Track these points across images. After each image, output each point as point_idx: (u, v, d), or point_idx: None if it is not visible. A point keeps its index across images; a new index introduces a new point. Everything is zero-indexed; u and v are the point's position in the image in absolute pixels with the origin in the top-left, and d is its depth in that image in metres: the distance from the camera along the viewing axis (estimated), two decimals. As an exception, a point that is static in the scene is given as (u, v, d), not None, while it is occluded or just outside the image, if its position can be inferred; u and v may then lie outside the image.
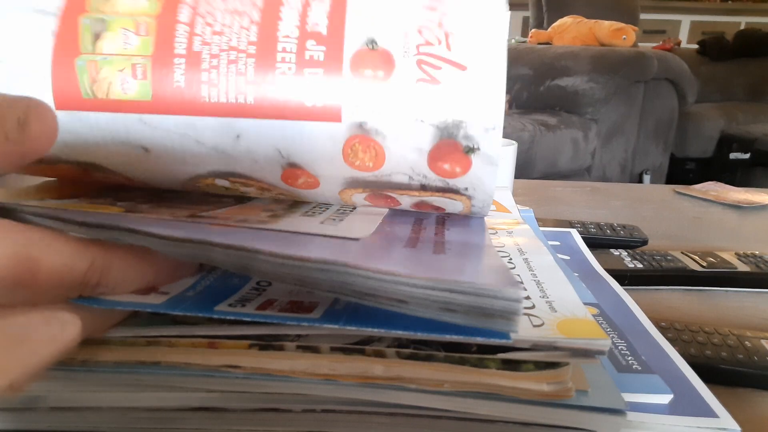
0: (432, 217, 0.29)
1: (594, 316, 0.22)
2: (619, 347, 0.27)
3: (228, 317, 0.19)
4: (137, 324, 0.21)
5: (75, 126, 0.22)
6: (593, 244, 0.45)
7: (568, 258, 0.42)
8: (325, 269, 0.17)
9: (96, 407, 0.21)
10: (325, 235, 0.22)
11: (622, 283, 0.37)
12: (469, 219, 0.29)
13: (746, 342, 0.31)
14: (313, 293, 0.21)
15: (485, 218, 0.29)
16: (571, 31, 2.23)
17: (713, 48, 2.64)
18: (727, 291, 0.42)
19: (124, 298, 0.19)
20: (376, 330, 0.18)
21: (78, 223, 0.18)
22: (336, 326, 0.19)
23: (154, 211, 0.24)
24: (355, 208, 0.28)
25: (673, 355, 0.28)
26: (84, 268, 0.17)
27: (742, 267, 0.42)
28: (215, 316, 0.19)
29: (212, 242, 0.18)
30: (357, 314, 0.19)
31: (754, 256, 0.44)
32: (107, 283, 0.18)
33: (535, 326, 0.21)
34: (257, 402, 0.21)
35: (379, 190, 0.25)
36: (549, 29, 2.38)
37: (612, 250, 0.45)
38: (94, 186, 0.28)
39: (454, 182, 0.24)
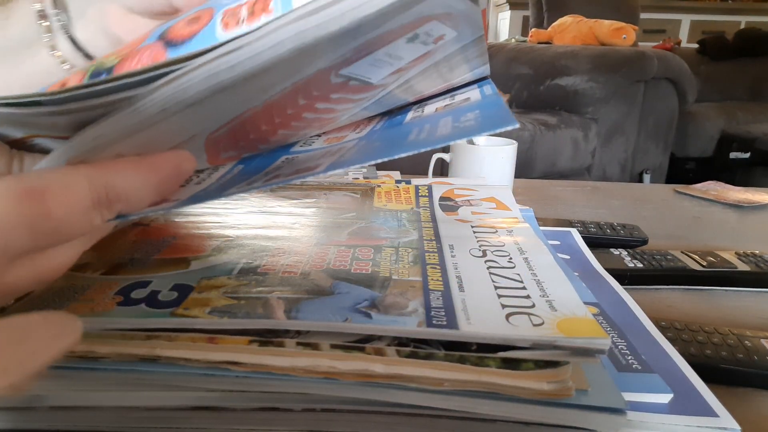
0: None
1: (594, 315, 0.22)
2: (619, 346, 0.27)
3: (239, 192, 0.20)
4: (136, 316, 0.21)
5: None
6: (593, 243, 0.45)
7: (568, 257, 0.42)
8: None
9: (96, 407, 0.21)
10: None
11: (622, 283, 0.37)
12: None
13: (746, 341, 0.31)
14: (320, 160, 0.22)
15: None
16: (571, 30, 2.23)
17: (713, 47, 2.64)
18: (726, 290, 0.42)
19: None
20: (378, 159, 0.19)
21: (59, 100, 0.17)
22: (341, 169, 0.19)
23: None
24: None
25: (673, 354, 0.28)
26: (85, 186, 0.17)
27: (742, 266, 0.42)
28: (225, 196, 0.20)
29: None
30: (358, 158, 0.20)
31: (754, 255, 0.44)
32: (118, 197, 0.18)
33: (535, 325, 0.21)
34: (257, 401, 0.21)
35: None
36: (549, 29, 2.38)
37: (612, 250, 0.45)
38: None
39: None
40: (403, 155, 0.19)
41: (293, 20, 0.16)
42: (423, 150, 0.19)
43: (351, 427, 0.21)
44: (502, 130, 0.18)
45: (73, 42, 0.34)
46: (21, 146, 0.21)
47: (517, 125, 0.17)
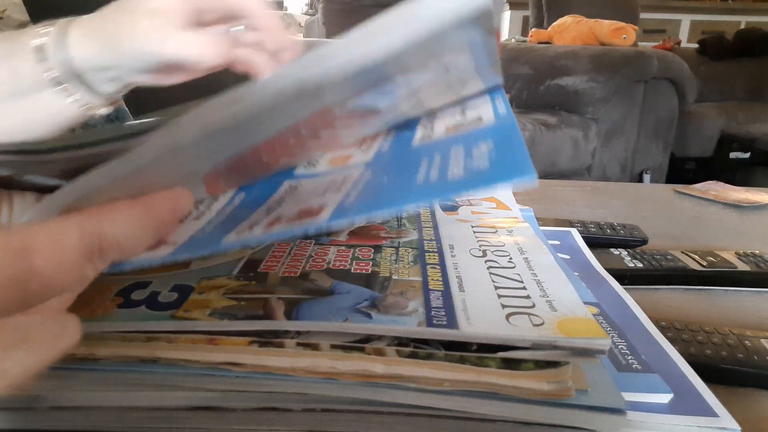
0: None
1: (594, 315, 0.22)
2: (619, 346, 0.27)
3: (236, 247, 0.18)
4: (136, 319, 0.21)
5: None
6: (593, 243, 0.45)
7: (568, 257, 0.42)
8: None
9: (96, 407, 0.21)
10: None
11: (622, 283, 0.37)
12: None
13: (746, 341, 0.31)
14: (324, 196, 0.21)
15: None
16: (571, 30, 2.23)
17: (713, 47, 2.64)
18: (726, 290, 0.41)
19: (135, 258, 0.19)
20: (386, 210, 0.18)
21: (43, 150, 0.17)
22: (346, 220, 0.18)
23: None
24: None
25: (673, 354, 0.28)
26: (76, 238, 0.16)
27: (742, 266, 0.42)
28: (222, 249, 0.19)
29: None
30: (364, 206, 0.19)
31: (754, 255, 0.44)
32: (111, 246, 0.17)
33: (535, 325, 0.21)
34: (257, 401, 0.21)
35: None
36: (549, 28, 2.38)
37: (612, 250, 0.45)
38: None
39: None
40: (411, 205, 0.18)
41: (298, 67, 0.16)
42: (434, 200, 0.18)
43: (351, 427, 0.21)
44: (518, 181, 0.16)
45: (96, 95, 0.37)
46: (9, 182, 0.20)
47: (536, 177, 0.16)
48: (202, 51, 0.34)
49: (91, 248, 0.16)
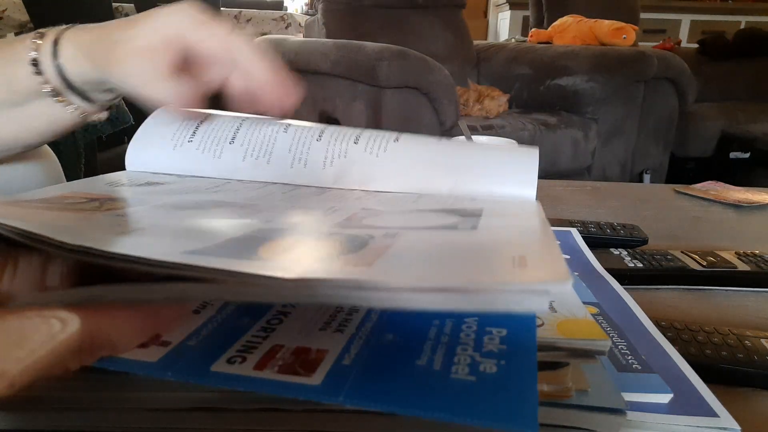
0: None
1: (594, 315, 0.22)
2: (619, 347, 0.27)
3: (219, 386, 0.17)
4: None
5: None
6: (593, 243, 0.45)
7: (569, 257, 0.42)
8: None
9: (96, 407, 0.21)
10: None
11: (622, 283, 0.37)
12: None
13: (746, 341, 0.31)
14: (326, 331, 0.20)
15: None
16: (571, 30, 2.23)
17: (713, 47, 2.64)
18: (727, 290, 0.42)
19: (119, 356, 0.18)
20: (378, 408, 0.16)
21: (55, 245, 0.17)
22: (336, 402, 0.17)
23: None
24: None
25: (673, 354, 0.28)
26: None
27: (742, 266, 0.42)
28: (206, 384, 0.18)
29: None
30: (364, 378, 0.18)
31: (754, 255, 0.44)
32: (102, 345, 0.17)
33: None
34: (257, 402, 0.21)
35: None
36: (549, 28, 2.38)
37: (612, 250, 0.45)
38: None
39: None
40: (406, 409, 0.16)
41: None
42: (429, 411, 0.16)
43: (351, 427, 0.21)
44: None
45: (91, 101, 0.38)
46: (16, 241, 0.19)
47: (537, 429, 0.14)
48: (179, 99, 0.34)
49: (82, 345, 0.16)
